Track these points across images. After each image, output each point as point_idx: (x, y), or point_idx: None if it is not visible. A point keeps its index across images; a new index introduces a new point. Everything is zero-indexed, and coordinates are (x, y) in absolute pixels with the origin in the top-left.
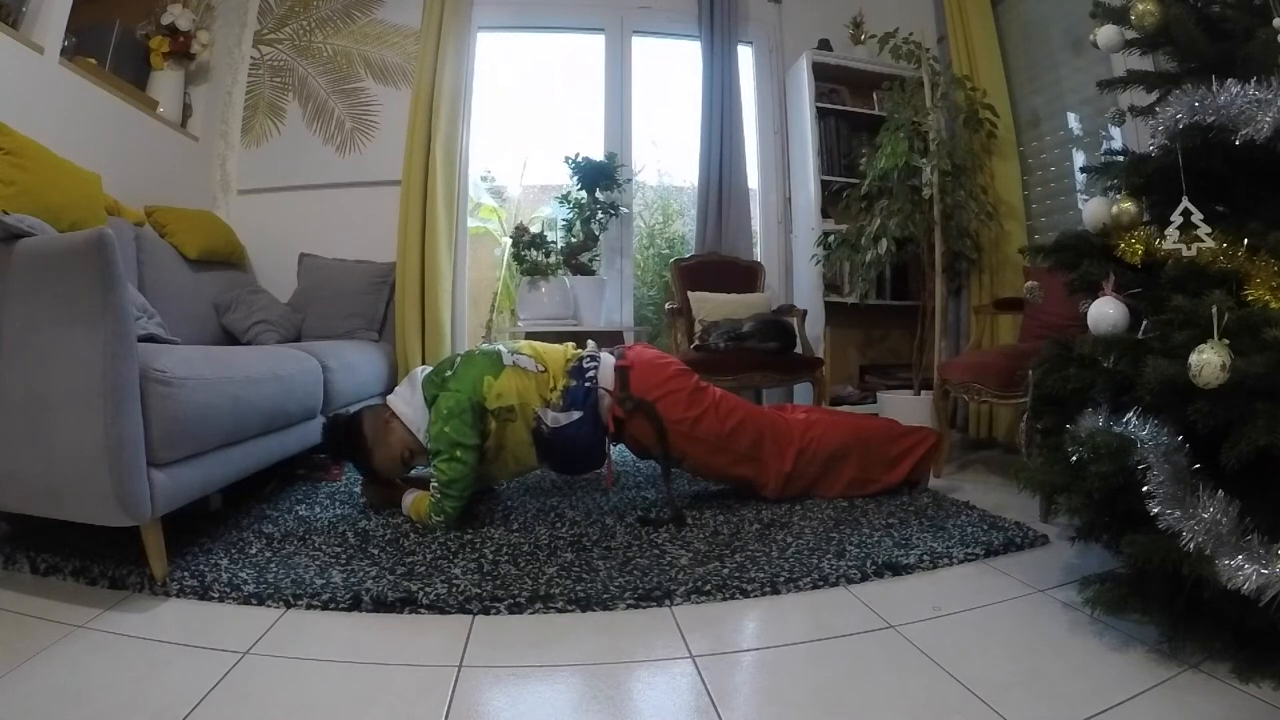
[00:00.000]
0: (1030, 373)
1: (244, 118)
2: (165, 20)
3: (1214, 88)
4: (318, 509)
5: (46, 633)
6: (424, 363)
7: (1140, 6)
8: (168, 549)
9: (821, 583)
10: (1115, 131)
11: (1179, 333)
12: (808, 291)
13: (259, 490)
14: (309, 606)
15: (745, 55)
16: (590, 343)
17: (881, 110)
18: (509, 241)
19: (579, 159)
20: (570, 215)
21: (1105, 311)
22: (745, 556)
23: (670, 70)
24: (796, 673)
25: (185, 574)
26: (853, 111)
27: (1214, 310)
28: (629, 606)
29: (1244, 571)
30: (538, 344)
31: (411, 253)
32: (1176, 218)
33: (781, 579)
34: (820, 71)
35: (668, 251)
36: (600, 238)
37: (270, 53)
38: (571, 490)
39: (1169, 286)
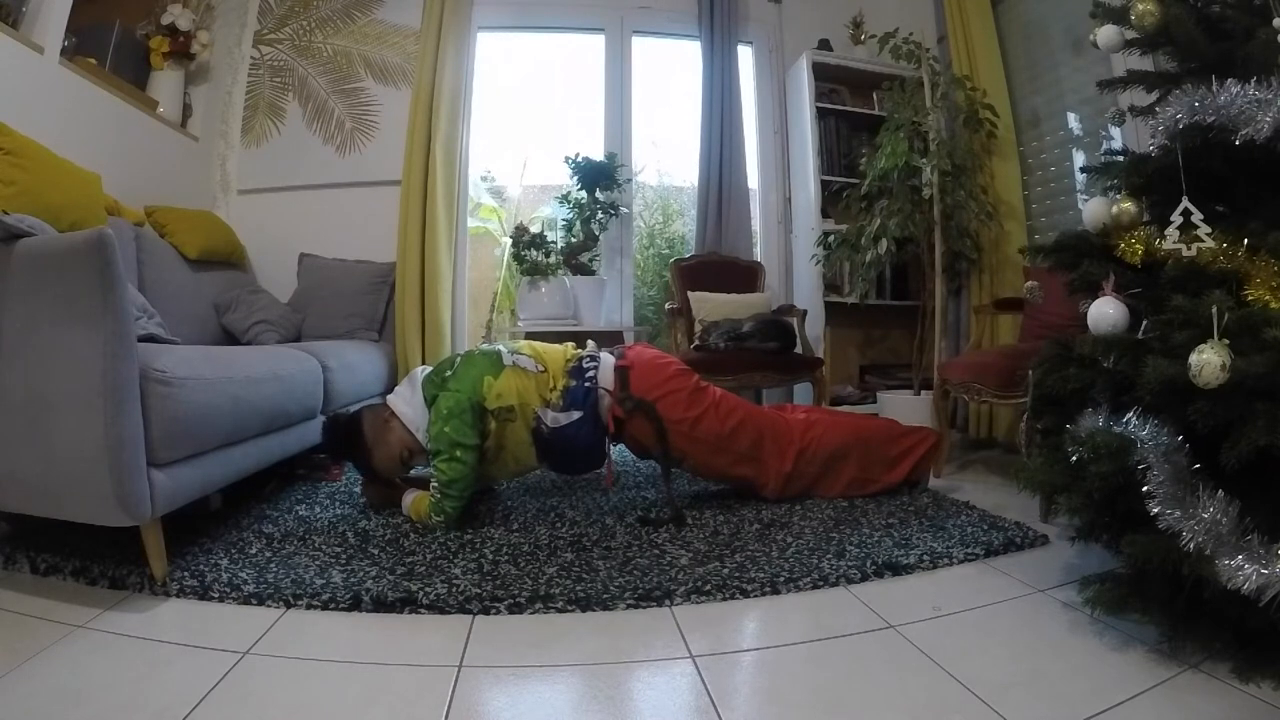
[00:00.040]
0: (1030, 373)
1: (244, 118)
2: (165, 20)
3: (1214, 88)
4: (318, 509)
5: (46, 633)
6: (424, 363)
7: (1140, 6)
8: (168, 549)
9: (821, 583)
10: (1115, 131)
11: (1179, 333)
12: (808, 291)
13: (259, 490)
14: (309, 606)
15: (745, 55)
16: (590, 343)
17: (881, 110)
18: (509, 241)
19: (579, 159)
20: (570, 215)
21: (1105, 311)
22: (745, 556)
23: (670, 70)
24: (796, 673)
25: (185, 574)
26: (853, 111)
27: (1214, 310)
28: (629, 606)
29: (1244, 571)
30: (538, 344)
31: (411, 253)
32: (1176, 218)
33: (781, 579)
34: (820, 71)
35: (668, 251)
36: (600, 238)
37: (270, 53)
38: (571, 490)
39: (1169, 286)
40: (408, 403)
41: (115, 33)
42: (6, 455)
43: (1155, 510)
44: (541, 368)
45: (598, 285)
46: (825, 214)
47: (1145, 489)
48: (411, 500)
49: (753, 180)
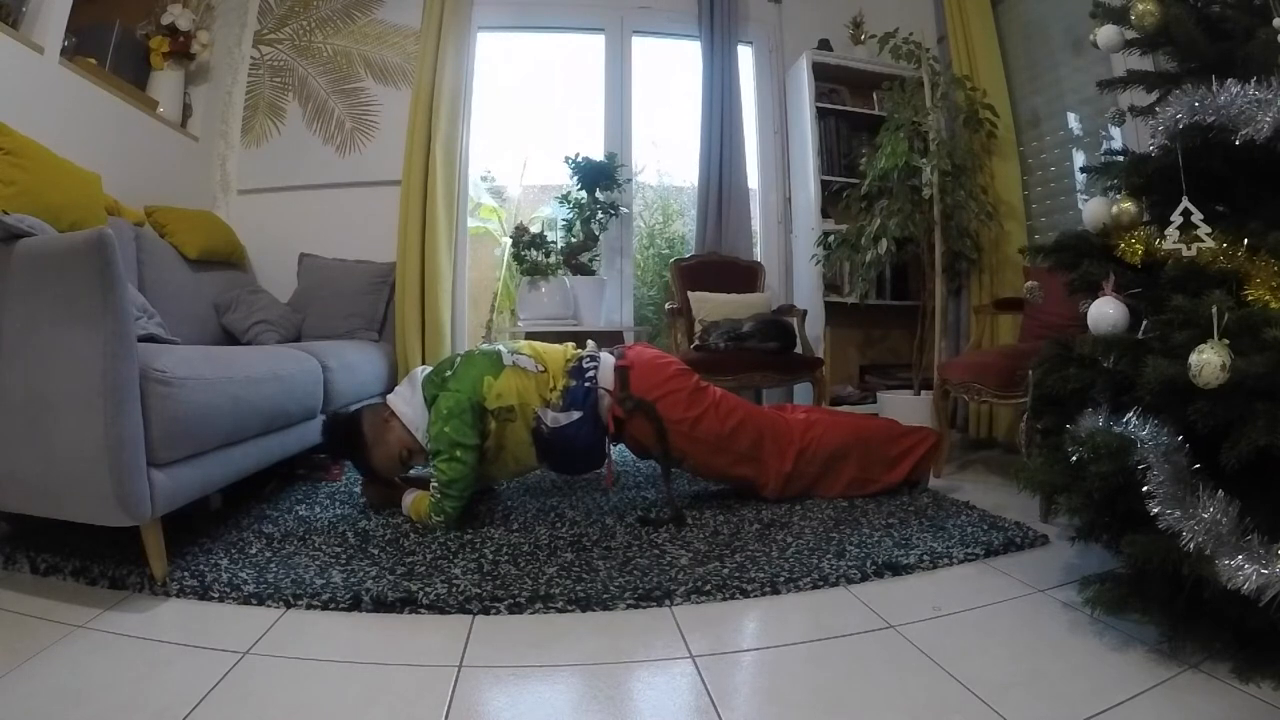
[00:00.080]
0: (1030, 373)
1: (244, 118)
2: (165, 20)
3: (1214, 88)
4: (318, 509)
5: (46, 633)
6: (424, 363)
7: (1140, 6)
8: (168, 549)
9: (821, 583)
10: (1115, 131)
11: (1179, 333)
12: (808, 291)
13: (259, 490)
14: (309, 606)
15: (745, 55)
16: (590, 343)
17: (881, 110)
18: (509, 241)
19: (579, 159)
20: (570, 215)
21: (1105, 311)
22: (745, 556)
23: (670, 70)
24: (796, 673)
25: (185, 574)
26: (853, 111)
27: (1214, 310)
28: (629, 606)
29: (1244, 571)
30: (538, 344)
31: (411, 253)
32: (1176, 218)
33: (781, 579)
34: (820, 71)
35: (668, 251)
36: (600, 238)
37: (270, 53)
38: (571, 490)
39: (1169, 286)
40: (407, 402)
41: (115, 33)
42: (6, 455)
43: (1155, 510)
44: (541, 368)
45: (598, 285)
46: (825, 214)
47: (1145, 489)
48: (411, 500)
49: (753, 180)
